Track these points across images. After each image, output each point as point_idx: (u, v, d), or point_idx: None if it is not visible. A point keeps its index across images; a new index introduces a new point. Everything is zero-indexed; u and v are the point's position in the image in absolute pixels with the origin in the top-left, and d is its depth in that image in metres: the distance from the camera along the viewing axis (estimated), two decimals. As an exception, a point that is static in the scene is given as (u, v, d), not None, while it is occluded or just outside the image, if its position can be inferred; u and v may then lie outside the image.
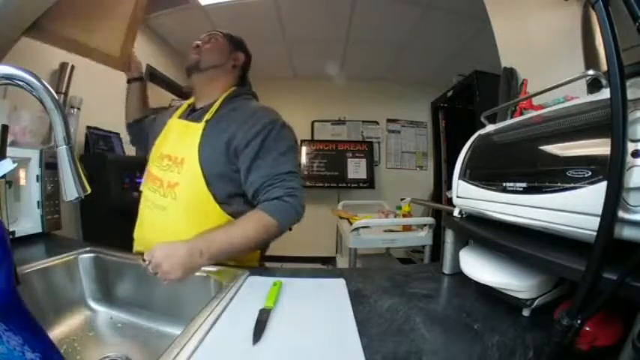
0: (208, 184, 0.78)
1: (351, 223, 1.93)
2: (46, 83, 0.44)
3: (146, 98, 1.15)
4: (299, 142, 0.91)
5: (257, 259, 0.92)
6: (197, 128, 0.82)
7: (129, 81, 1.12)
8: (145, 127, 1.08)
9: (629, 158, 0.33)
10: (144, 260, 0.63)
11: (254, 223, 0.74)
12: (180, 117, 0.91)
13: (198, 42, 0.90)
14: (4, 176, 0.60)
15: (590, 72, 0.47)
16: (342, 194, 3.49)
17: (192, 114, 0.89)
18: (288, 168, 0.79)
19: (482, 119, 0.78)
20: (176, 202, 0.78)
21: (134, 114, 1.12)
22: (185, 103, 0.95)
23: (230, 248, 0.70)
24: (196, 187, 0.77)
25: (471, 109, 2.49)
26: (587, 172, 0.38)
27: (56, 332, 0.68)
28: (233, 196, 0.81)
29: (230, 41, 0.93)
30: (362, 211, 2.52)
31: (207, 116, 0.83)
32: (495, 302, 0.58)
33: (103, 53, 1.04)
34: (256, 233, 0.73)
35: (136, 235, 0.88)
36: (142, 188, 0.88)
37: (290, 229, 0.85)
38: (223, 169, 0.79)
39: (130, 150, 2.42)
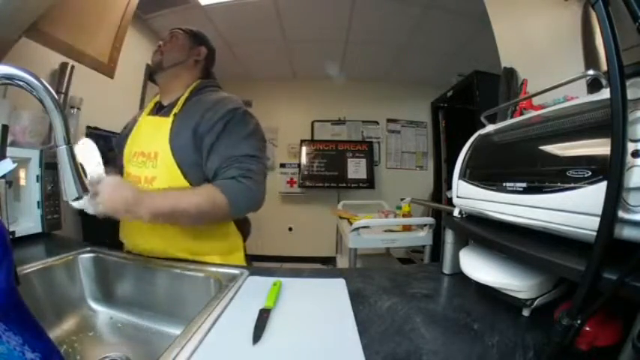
0: (184, 173, 0.79)
1: (351, 223, 1.93)
2: (46, 83, 0.44)
3: None
4: (264, 133, 0.90)
5: (241, 246, 0.94)
6: (166, 122, 0.83)
7: None
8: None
9: (629, 158, 0.33)
10: (89, 181, 0.60)
11: (203, 195, 0.73)
12: (148, 114, 0.92)
13: (160, 42, 0.92)
14: (4, 176, 0.60)
15: (590, 72, 0.47)
16: (342, 194, 3.49)
17: (161, 110, 0.90)
18: (247, 151, 0.79)
19: (483, 119, 0.78)
20: None
21: None
22: (152, 101, 0.96)
23: (172, 211, 0.69)
24: (173, 179, 0.79)
25: (471, 109, 2.49)
26: (587, 172, 0.38)
27: (56, 332, 0.68)
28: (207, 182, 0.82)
29: (191, 37, 0.94)
30: (362, 211, 2.52)
31: (175, 110, 0.84)
32: (495, 302, 0.58)
33: (94, 59, 1.05)
34: (204, 205, 0.72)
35: (122, 235, 0.88)
36: None
37: (245, 219, 0.88)
38: (195, 158, 0.80)
39: (130, 150, 2.42)
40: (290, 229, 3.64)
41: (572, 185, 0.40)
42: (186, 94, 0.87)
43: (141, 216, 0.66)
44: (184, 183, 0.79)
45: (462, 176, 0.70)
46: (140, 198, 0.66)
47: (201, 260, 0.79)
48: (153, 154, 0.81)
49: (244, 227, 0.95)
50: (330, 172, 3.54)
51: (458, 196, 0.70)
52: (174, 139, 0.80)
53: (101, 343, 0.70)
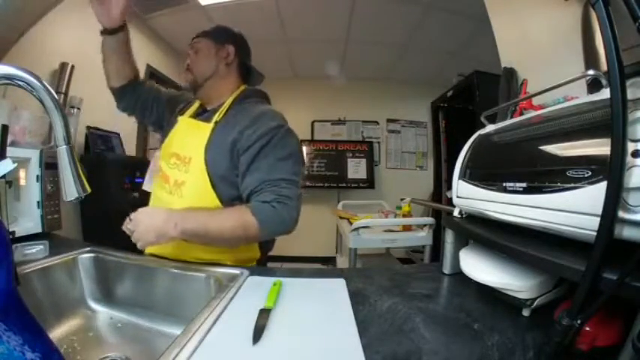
0: (214, 185, 0.78)
1: (351, 223, 1.93)
2: (46, 83, 0.44)
3: (131, 55, 0.93)
4: (302, 154, 0.87)
5: (256, 259, 0.91)
6: (206, 128, 0.81)
7: (106, 31, 0.84)
8: (142, 96, 0.98)
9: (629, 158, 0.33)
10: (130, 219, 0.67)
11: (235, 218, 0.72)
12: (191, 116, 0.90)
13: (188, 61, 0.88)
14: (4, 176, 0.60)
15: (590, 72, 0.47)
16: (342, 194, 3.49)
17: (203, 114, 0.88)
18: (284, 175, 0.77)
19: (483, 119, 0.78)
20: (182, 201, 0.78)
21: (119, 76, 0.94)
22: (197, 103, 0.94)
23: (204, 233, 0.70)
24: (202, 187, 0.78)
25: (471, 109, 2.49)
26: (587, 172, 0.38)
27: (56, 332, 0.68)
28: (236, 199, 0.81)
29: (213, 39, 0.88)
30: (362, 211, 2.52)
31: (217, 117, 0.82)
32: (495, 302, 0.58)
33: None
34: (233, 228, 0.71)
35: None
36: (145, 187, 0.88)
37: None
38: (227, 173, 0.79)
39: (130, 150, 2.42)
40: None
41: (572, 185, 0.40)
42: (229, 102, 0.85)
43: (172, 237, 0.67)
44: (212, 194, 0.78)
45: (462, 176, 0.70)
46: (169, 222, 0.66)
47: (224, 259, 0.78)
48: (187, 159, 0.80)
49: (266, 242, 0.91)
50: (330, 172, 3.54)
51: (458, 196, 0.70)
52: (210, 148, 0.79)
53: (101, 343, 0.70)
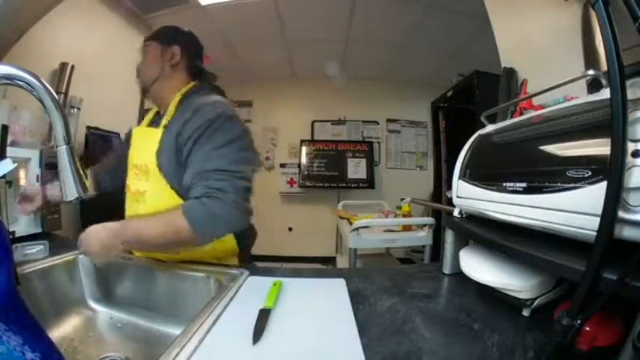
0: (175, 188, 0.76)
1: (351, 223, 1.93)
2: (46, 83, 0.44)
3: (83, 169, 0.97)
4: (250, 141, 0.79)
5: (235, 252, 0.87)
6: (156, 134, 0.79)
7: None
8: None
9: (629, 158, 0.33)
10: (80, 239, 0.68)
11: (164, 222, 0.68)
12: (148, 124, 0.89)
13: (136, 66, 0.87)
14: (4, 176, 0.60)
15: (590, 72, 0.47)
16: (342, 194, 3.49)
17: (158, 120, 0.87)
18: (218, 165, 0.70)
19: (483, 119, 0.78)
20: (147, 207, 0.77)
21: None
22: (153, 110, 0.92)
23: (141, 241, 0.70)
24: (163, 193, 0.76)
25: (471, 109, 2.49)
26: (587, 172, 0.38)
27: (56, 332, 0.68)
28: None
29: (159, 41, 0.86)
30: (362, 211, 2.52)
31: (164, 121, 0.80)
32: (495, 302, 0.58)
33: None
34: (164, 233, 0.68)
35: None
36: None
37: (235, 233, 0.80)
38: (180, 172, 0.75)
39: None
40: (290, 229, 3.64)
41: (572, 185, 0.40)
42: (176, 100, 0.82)
43: (121, 249, 0.68)
44: (176, 198, 0.75)
45: (462, 176, 0.70)
46: (110, 235, 0.67)
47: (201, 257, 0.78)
48: (145, 167, 0.78)
49: (245, 233, 0.85)
50: (330, 172, 3.54)
51: (458, 196, 0.70)
52: (161, 153, 0.76)
53: (101, 343, 0.70)
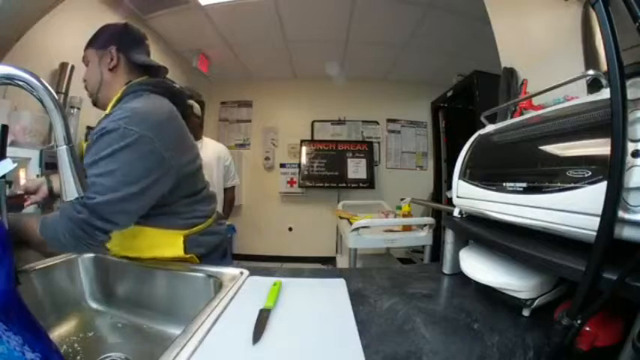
0: None
1: (351, 223, 1.93)
2: (46, 83, 0.44)
3: None
4: (136, 156, 0.66)
5: (183, 256, 0.78)
6: (83, 149, 0.73)
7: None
8: None
9: (629, 158, 0.33)
10: None
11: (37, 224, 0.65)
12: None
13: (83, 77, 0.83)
14: (4, 176, 0.60)
15: (590, 72, 0.47)
16: (342, 194, 3.49)
17: None
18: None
19: (482, 119, 0.78)
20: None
21: None
22: None
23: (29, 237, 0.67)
24: None
25: (471, 109, 2.49)
26: (587, 172, 0.38)
27: (56, 332, 0.68)
28: (154, 208, 0.72)
29: (95, 47, 0.80)
30: (362, 211, 2.52)
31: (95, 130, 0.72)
32: (495, 302, 0.58)
33: None
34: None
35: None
36: None
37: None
38: None
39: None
40: (290, 229, 3.64)
41: (572, 185, 0.40)
42: (109, 108, 0.75)
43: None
44: None
45: (462, 176, 0.70)
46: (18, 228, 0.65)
47: (145, 257, 0.75)
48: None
49: (190, 240, 0.78)
50: (330, 172, 3.54)
51: (458, 196, 0.70)
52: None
53: (101, 343, 0.70)
